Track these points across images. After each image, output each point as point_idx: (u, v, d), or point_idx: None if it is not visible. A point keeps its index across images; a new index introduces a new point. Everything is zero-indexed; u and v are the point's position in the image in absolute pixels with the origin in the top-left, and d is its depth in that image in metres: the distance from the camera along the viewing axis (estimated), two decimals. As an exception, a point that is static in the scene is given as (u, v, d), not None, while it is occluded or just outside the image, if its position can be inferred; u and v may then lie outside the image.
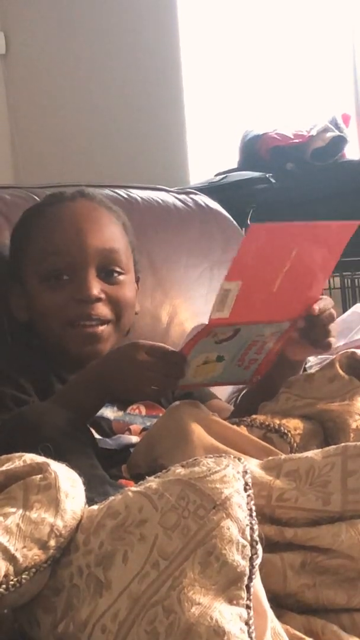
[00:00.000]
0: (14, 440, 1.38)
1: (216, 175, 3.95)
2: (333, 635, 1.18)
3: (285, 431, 1.50)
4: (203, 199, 2.20)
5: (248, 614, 1.07)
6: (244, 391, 1.79)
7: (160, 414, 1.64)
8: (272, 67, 4.40)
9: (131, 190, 2.08)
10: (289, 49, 4.35)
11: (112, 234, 1.80)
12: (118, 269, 1.79)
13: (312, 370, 1.60)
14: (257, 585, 1.10)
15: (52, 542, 1.14)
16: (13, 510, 1.16)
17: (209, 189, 3.37)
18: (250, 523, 1.11)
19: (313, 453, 1.28)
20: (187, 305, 2.01)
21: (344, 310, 2.82)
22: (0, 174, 5.29)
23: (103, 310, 1.75)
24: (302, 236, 1.64)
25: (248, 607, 1.07)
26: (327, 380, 1.54)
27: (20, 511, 1.16)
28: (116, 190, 2.02)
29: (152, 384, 1.60)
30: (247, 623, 1.06)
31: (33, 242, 1.78)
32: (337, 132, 3.84)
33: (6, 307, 1.82)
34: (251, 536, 1.10)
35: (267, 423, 1.52)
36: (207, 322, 1.54)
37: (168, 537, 1.11)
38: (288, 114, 4.16)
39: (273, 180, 3.68)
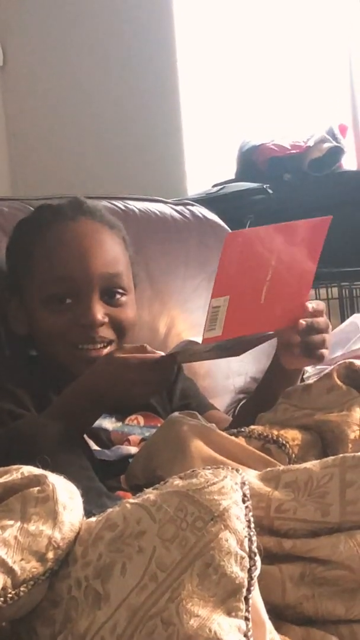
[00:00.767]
0: (11, 453, 1.39)
1: (213, 186, 3.95)
2: (332, 644, 1.19)
3: (284, 442, 1.50)
4: (200, 210, 2.20)
5: (247, 625, 1.07)
6: (242, 402, 1.79)
7: (159, 424, 1.65)
8: (269, 77, 4.41)
9: (128, 201, 2.08)
10: (285, 59, 4.36)
11: (115, 256, 1.81)
12: (121, 291, 1.80)
13: (310, 381, 1.61)
14: (256, 596, 1.10)
15: (50, 555, 1.15)
16: (11, 522, 1.17)
17: (207, 200, 3.38)
18: (249, 534, 1.12)
19: (311, 464, 1.28)
20: (184, 316, 2.01)
21: (342, 320, 2.83)
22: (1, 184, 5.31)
23: (107, 332, 1.76)
24: (279, 239, 1.63)
25: (247, 618, 1.07)
26: (325, 390, 1.55)
27: (18, 524, 1.16)
28: (113, 202, 2.02)
29: (145, 394, 1.63)
30: (245, 635, 1.06)
31: (35, 264, 1.78)
32: (334, 143, 3.85)
33: (3, 318, 1.82)
34: (250, 548, 1.11)
35: (265, 434, 1.52)
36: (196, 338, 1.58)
37: (166, 548, 1.11)
38: (285, 124, 4.17)
39: (270, 191, 3.69)
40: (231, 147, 4.10)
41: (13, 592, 1.11)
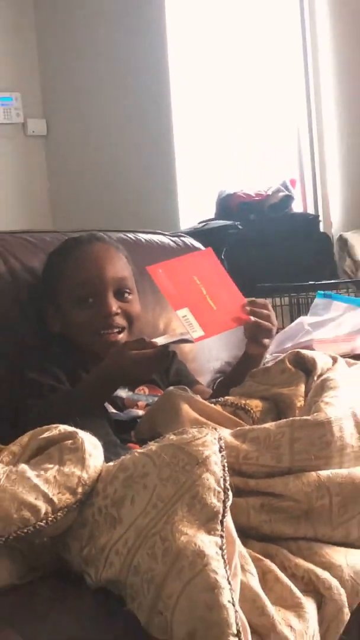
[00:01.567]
0: (51, 416, 1.39)
1: (199, 223, 3.94)
2: (283, 556, 1.19)
3: (249, 409, 1.51)
4: (190, 241, 2.20)
5: (222, 541, 1.08)
6: (219, 380, 1.79)
7: (159, 394, 1.65)
8: (241, 145, 4.41)
9: (137, 234, 2.08)
10: (253, 133, 4.35)
11: (121, 266, 1.80)
12: (127, 290, 1.79)
13: (269, 364, 1.61)
14: (228, 520, 1.11)
15: (80, 490, 1.16)
16: (51, 466, 1.18)
17: (194, 233, 3.37)
18: (224, 475, 1.13)
19: (269, 425, 1.29)
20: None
21: (291, 321, 2.81)
22: (43, 222, 5.29)
23: (120, 321, 1.75)
24: (187, 265, 1.67)
25: (222, 536, 1.08)
26: (280, 371, 1.55)
27: (56, 467, 1.18)
28: (126, 234, 2.03)
29: (146, 372, 1.64)
30: (220, 548, 1.07)
31: (65, 278, 1.77)
32: (286, 192, 3.85)
33: (42, 322, 1.82)
34: (224, 485, 1.12)
35: (236, 402, 1.52)
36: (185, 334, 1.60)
37: (164, 485, 1.12)
38: (251, 178, 4.17)
39: (240, 227, 3.67)
40: (212, 195, 4.09)
41: (52, 516, 1.13)
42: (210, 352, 1.81)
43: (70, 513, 1.16)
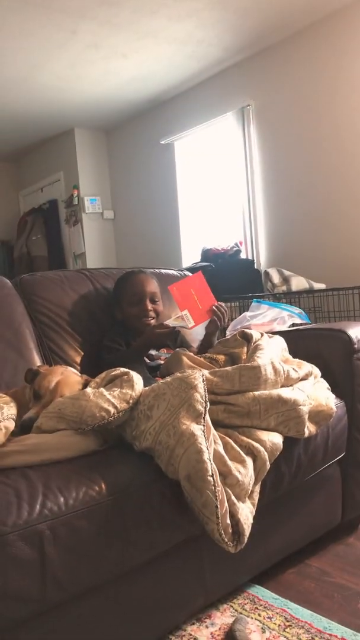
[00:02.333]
0: (115, 364, 1.39)
1: (192, 264, 3.92)
2: (235, 436, 1.18)
3: (218, 360, 1.50)
4: (187, 273, 2.18)
5: (204, 428, 1.08)
6: (199, 345, 1.78)
7: (171, 352, 1.65)
8: (215, 223, 4.37)
9: (160, 269, 2.06)
10: (221, 217, 4.31)
11: (153, 286, 1.76)
12: (156, 299, 1.76)
13: (228, 337, 1.60)
14: (207, 418, 1.10)
15: (131, 401, 1.16)
16: (116, 389, 1.18)
17: (189, 269, 3.36)
18: (205, 394, 1.13)
19: (228, 368, 1.28)
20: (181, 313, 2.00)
21: (239, 315, 2.81)
22: (111, 264, 5.29)
23: (152, 314, 1.72)
24: (190, 284, 1.65)
25: (204, 425, 1.08)
26: (233, 340, 1.54)
27: (119, 389, 1.17)
28: (155, 269, 2.01)
29: (165, 339, 1.62)
30: (203, 431, 1.07)
31: (124, 290, 1.75)
32: (237, 248, 3.83)
33: (111, 315, 1.81)
34: (205, 399, 1.12)
35: (210, 356, 1.51)
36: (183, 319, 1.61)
37: (173, 399, 1.12)
38: (219, 240, 4.13)
39: (213, 266, 3.66)
40: (198, 249, 4.05)
41: (116, 415, 1.12)
42: (197, 334, 1.80)
43: (126, 413, 1.15)
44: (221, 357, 1.50)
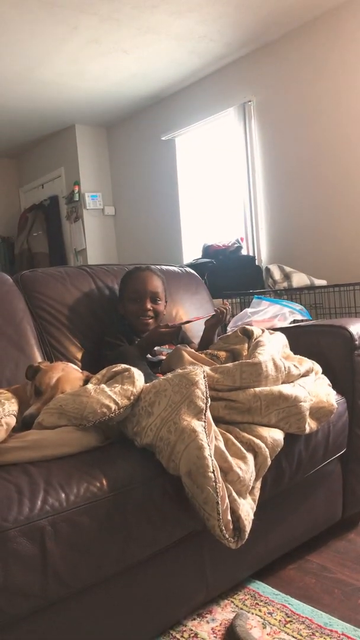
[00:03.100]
0: (117, 360, 1.38)
1: (193, 260, 3.91)
2: (236, 432, 1.19)
3: (219, 356, 1.50)
4: (188, 269, 2.18)
5: (205, 424, 1.07)
6: (199, 341, 1.77)
7: (173, 348, 1.64)
8: (216, 219, 4.36)
9: (162, 265, 2.05)
10: (223, 213, 4.31)
11: (156, 284, 1.75)
12: (158, 299, 1.74)
13: (229, 333, 1.60)
14: (208, 414, 1.10)
15: (132, 397, 1.15)
16: (117, 385, 1.17)
17: (190, 266, 3.36)
18: (206, 391, 1.12)
19: (229, 364, 1.28)
20: (182, 311, 1.99)
21: (241, 311, 2.80)
22: (113, 260, 5.28)
23: (150, 313, 1.71)
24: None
25: (205, 421, 1.08)
26: (234, 337, 1.54)
27: (120, 386, 1.17)
28: (157, 266, 2.00)
29: (168, 339, 1.61)
30: (204, 427, 1.07)
31: (127, 286, 1.74)
32: (238, 244, 3.82)
33: (115, 310, 1.81)
34: (206, 395, 1.12)
35: (212, 352, 1.52)
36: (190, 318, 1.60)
37: (175, 395, 1.12)
38: (220, 236, 4.13)
39: (214, 263, 3.65)
40: (199, 245, 4.04)
41: (118, 411, 1.12)
42: (197, 331, 1.79)
43: (127, 409, 1.15)
44: (222, 354, 1.50)
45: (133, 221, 5.12)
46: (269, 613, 1.24)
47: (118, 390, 1.15)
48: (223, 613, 1.25)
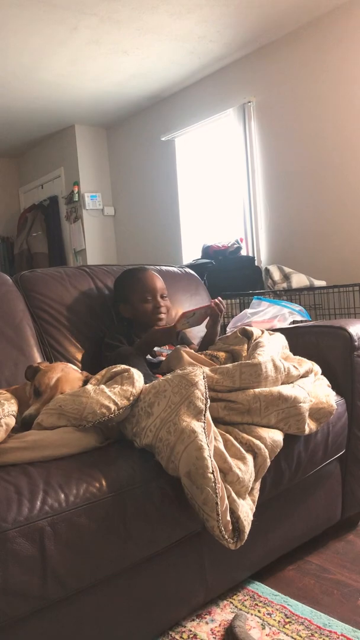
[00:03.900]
0: (117, 360, 1.38)
1: (192, 260, 3.90)
2: (235, 433, 1.19)
3: (218, 356, 1.50)
4: (188, 270, 2.18)
5: (204, 425, 1.07)
6: (200, 342, 1.77)
7: (173, 349, 1.64)
8: (216, 219, 4.36)
9: (162, 266, 2.05)
10: (222, 214, 4.31)
11: (162, 282, 1.76)
12: (165, 295, 1.75)
13: (229, 334, 1.60)
14: (208, 415, 1.10)
15: (132, 398, 1.15)
16: (117, 386, 1.17)
17: (189, 266, 3.36)
18: (205, 391, 1.12)
19: (229, 365, 1.28)
20: (182, 311, 1.99)
21: (240, 312, 2.80)
22: (112, 260, 5.28)
23: (163, 309, 1.72)
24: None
25: (204, 422, 1.07)
26: (234, 337, 1.54)
27: (119, 386, 1.17)
28: (157, 266, 2.00)
29: (166, 339, 1.61)
30: (204, 428, 1.06)
31: (134, 288, 1.74)
32: (238, 245, 3.82)
33: (115, 312, 1.80)
34: (205, 396, 1.11)
35: (211, 353, 1.52)
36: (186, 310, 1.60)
37: (174, 396, 1.12)
38: (220, 237, 4.13)
39: (214, 263, 3.65)
40: (199, 246, 4.04)
41: (117, 412, 1.12)
42: (199, 332, 1.79)
43: (127, 410, 1.15)
44: (222, 354, 1.50)
45: (132, 221, 5.12)
46: (268, 614, 1.24)
47: (117, 390, 1.15)
48: (222, 614, 1.25)
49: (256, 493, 1.14)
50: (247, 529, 1.05)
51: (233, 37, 3.61)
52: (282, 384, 1.29)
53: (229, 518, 1.03)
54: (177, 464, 1.04)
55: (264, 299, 2.64)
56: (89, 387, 1.16)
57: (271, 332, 1.52)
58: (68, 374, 1.26)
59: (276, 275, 3.29)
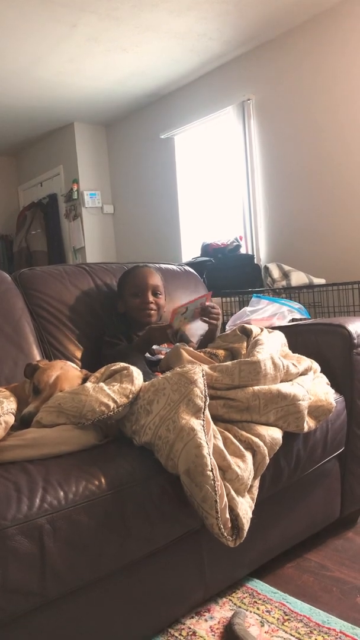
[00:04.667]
0: (116, 358, 1.38)
1: (192, 258, 3.90)
2: (235, 431, 1.18)
3: (218, 354, 1.50)
4: (187, 268, 2.17)
5: (203, 422, 1.07)
6: (199, 340, 1.77)
7: (172, 347, 1.64)
8: (215, 217, 4.36)
9: (161, 264, 2.05)
10: (221, 212, 4.30)
11: (156, 279, 1.76)
12: (158, 293, 1.75)
13: (228, 332, 1.60)
14: (207, 412, 1.10)
15: (131, 396, 1.15)
16: (116, 384, 1.17)
17: (189, 264, 3.35)
18: (205, 390, 1.12)
19: (228, 363, 1.27)
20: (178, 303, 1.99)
21: (239, 310, 2.80)
22: (111, 258, 5.27)
23: (153, 306, 1.72)
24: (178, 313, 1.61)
25: (203, 420, 1.07)
26: (233, 335, 1.54)
27: (118, 384, 1.17)
28: (156, 264, 2.00)
29: (165, 337, 1.60)
30: (203, 425, 1.06)
31: (128, 283, 1.75)
32: (237, 243, 3.81)
33: (114, 308, 1.81)
34: (205, 394, 1.11)
35: (210, 351, 1.52)
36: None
37: (174, 394, 1.11)
38: (219, 235, 4.12)
39: (213, 261, 3.65)
40: (198, 244, 4.04)
41: (116, 409, 1.12)
42: (197, 331, 1.79)
43: (126, 408, 1.15)
44: (221, 352, 1.50)
45: (132, 219, 5.12)
46: (267, 611, 1.24)
47: (117, 388, 1.14)
48: (221, 611, 1.25)
49: (255, 491, 1.14)
50: (246, 526, 1.05)
51: (232, 35, 3.61)
52: (281, 381, 1.29)
53: (228, 516, 1.03)
54: (176, 461, 1.04)
55: (263, 297, 2.64)
56: (88, 385, 1.16)
57: (270, 330, 1.52)
58: (67, 372, 1.26)
59: (275, 273, 3.29)
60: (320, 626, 1.17)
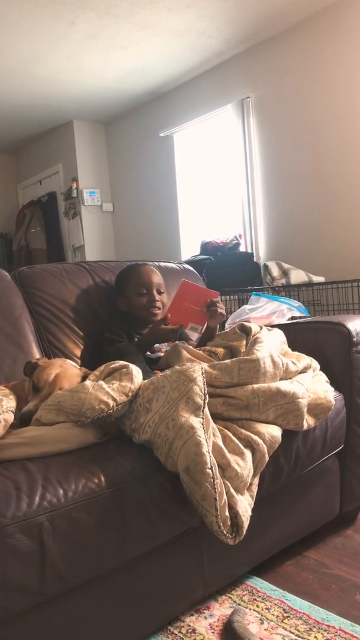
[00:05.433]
0: (116, 357, 1.38)
1: (191, 257, 3.89)
2: (234, 428, 1.18)
3: (217, 352, 1.49)
4: (187, 266, 2.17)
5: (203, 420, 1.07)
6: (198, 338, 1.77)
7: (172, 345, 1.63)
8: (214, 216, 4.35)
9: (160, 262, 2.05)
10: (221, 210, 4.30)
11: (160, 277, 1.76)
12: (162, 290, 1.75)
13: (227, 330, 1.60)
14: (206, 410, 1.10)
15: (130, 394, 1.15)
16: (115, 382, 1.17)
17: (189, 262, 3.35)
18: (204, 388, 1.12)
19: (227, 361, 1.27)
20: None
21: (239, 308, 2.80)
22: (111, 256, 5.27)
23: (158, 304, 1.71)
24: (181, 299, 1.59)
25: (203, 418, 1.07)
26: (232, 333, 1.54)
27: (118, 382, 1.17)
28: (156, 263, 2.00)
29: (172, 336, 1.60)
30: (202, 423, 1.06)
31: (131, 281, 1.74)
32: (237, 241, 3.81)
33: (114, 306, 1.80)
34: (204, 392, 1.11)
35: (210, 349, 1.51)
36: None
37: (173, 392, 1.11)
38: (218, 233, 4.12)
39: (212, 259, 3.64)
40: (197, 242, 4.03)
41: (116, 407, 1.12)
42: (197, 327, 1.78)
43: (125, 406, 1.15)
44: (220, 350, 1.49)
45: (131, 218, 5.11)
46: (266, 609, 1.24)
47: (116, 386, 1.14)
48: (221, 609, 1.25)
49: (255, 488, 1.14)
50: (246, 524, 1.05)
51: (232, 33, 3.60)
52: (280, 379, 1.29)
53: (227, 513, 1.03)
54: (175, 459, 1.04)
55: (262, 295, 2.64)
56: (88, 383, 1.16)
57: (270, 328, 1.52)
58: (67, 370, 1.26)
59: (275, 271, 3.29)
60: (319, 623, 1.17)
